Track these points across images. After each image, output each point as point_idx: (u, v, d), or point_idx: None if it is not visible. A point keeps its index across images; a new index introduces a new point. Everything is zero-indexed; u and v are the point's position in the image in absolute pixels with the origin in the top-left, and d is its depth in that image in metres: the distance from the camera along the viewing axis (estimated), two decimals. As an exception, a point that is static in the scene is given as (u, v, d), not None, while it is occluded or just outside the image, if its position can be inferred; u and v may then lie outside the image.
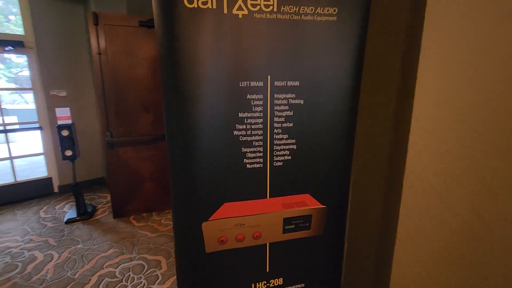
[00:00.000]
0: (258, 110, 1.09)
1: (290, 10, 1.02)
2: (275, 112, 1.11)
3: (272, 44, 1.04)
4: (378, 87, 1.30)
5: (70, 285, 2.13)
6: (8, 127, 3.51)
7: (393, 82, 1.19)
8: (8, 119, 9.29)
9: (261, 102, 1.08)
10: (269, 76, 1.07)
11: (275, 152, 1.15)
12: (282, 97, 1.10)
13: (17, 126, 4.18)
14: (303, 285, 1.36)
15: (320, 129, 1.17)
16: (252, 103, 1.08)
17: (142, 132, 3.11)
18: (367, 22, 1.11)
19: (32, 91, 3.49)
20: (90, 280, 2.20)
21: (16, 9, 3.33)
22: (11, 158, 3.52)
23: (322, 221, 1.29)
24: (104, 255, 2.54)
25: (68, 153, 2.99)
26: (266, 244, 1.25)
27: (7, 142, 3.47)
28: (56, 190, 3.87)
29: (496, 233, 0.97)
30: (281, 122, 1.13)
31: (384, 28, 1.25)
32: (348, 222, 1.42)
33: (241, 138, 1.10)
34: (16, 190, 3.58)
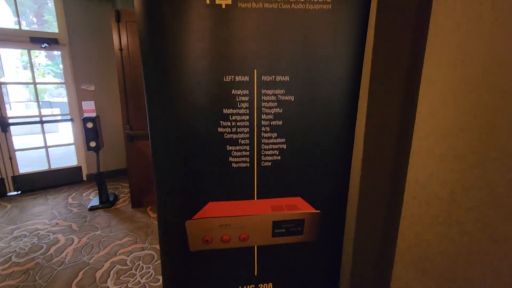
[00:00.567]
0: (244, 107, 1.03)
1: (279, -1, 0.94)
2: (263, 109, 1.04)
3: (258, 36, 0.97)
4: (382, 85, 1.16)
5: (84, 269, 2.25)
6: (44, 119, 3.80)
7: (399, 79, 1.06)
8: (50, 111, 10.18)
9: (247, 98, 1.02)
10: (255, 70, 1.00)
11: (263, 152, 1.08)
12: (270, 93, 1.03)
13: (53, 118, 4.50)
14: (294, 292, 1.28)
15: (312, 128, 1.07)
16: (237, 99, 1.02)
17: (160, 126, 3.19)
18: (367, 11, 0.99)
19: (64, 85, 3.74)
20: (103, 266, 2.31)
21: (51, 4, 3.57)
22: (46, 147, 3.82)
23: (316, 226, 1.20)
24: (119, 243, 2.65)
25: (92, 144, 3.16)
26: (254, 246, 1.20)
27: (43, 132, 3.77)
28: (84, 178, 4.14)
29: (511, 258, 0.81)
30: (269, 120, 1.05)
31: (390, 28, 1.11)
32: (346, 229, 1.31)
33: (226, 135, 1.05)
34: (49, 177, 3.88)
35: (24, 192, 3.75)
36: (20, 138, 7.88)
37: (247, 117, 1.04)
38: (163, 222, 1.14)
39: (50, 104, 11.50)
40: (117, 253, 2.48)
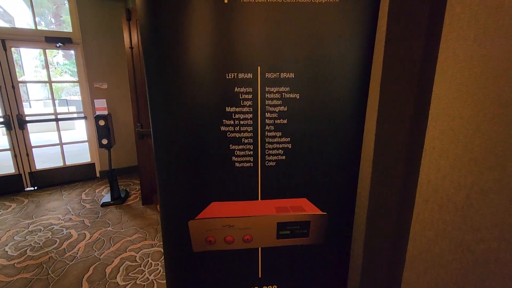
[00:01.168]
0: (247, 105, 1.00)
1: (283, -8, 0.90)
2: (267, 107, 1.01)
3: (262, 32, 0.93)
4: (394, 81, 1.10)
5: (95, 265, 2.29)
6: (59, 116, 3.90)
7: (412, 75, 1.00)
8: (66, 109, 10.49)
9: (250, 96, 0.99)
10: (259, 67, 0.97)
11: (267, 151, 1.05)
12: (275, 91, 0.99)
13: (68, 116, 4.62)
14: (300, 296, 1.25)
15: (318, 127, 1.03)
16: (240, 97, 0.99)
17: (169, 124, 3.20)
18: (377, 3, 0.94)
19: (78, 83, 3.82)
20: (113, 261, 2.34)
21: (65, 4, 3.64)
22: (61, 144, 3.92)
23: (322, 229, 1.16)
24: (129, 239, 2.68)
25: (104, 141, 3.21)
26: (258, 248, 1.17)
27: (58, 129, 3.86)
28: (98, 175, 4.23)
29: (533, 268, 0.75)
30: (274, 118, 1.02)
31: (403, 20, 1.05)
32: (354, 233, 1.26)
33: (229, 134, 1.02)
34: (64, 173, 3.98)
35: (40, 187, 3.86)
36: (39, 135, 8.16)
37: (251, 115, 1.01)
38: (166, 221, 1.13)
39: (66, 102, 11.87)
40: (127, 250, 2.51)
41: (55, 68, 16.33)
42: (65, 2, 3.61)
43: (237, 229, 1.12)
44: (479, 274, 0.85)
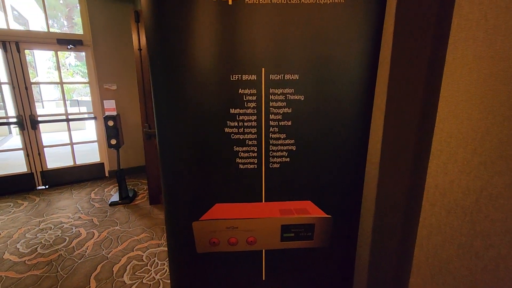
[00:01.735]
0: (252, 106, 0.99)
1: (288, -7, 0.90)
2: (271, 108, 1.00)
3: (266, 33, 0.93)
4: (402, 82, 1.08)
5: (102, 263, 2.33)
6: (70, 117, 3.98)
7: (419, 76, 0.98)
8: (77, 110, 10.70)
9: (254, 98, 0.99)
10: (263, 69, 0.96)
11: (271, 153, 1.05)
12: (279, 92, 0.99)
13: (78, 116, 4.70)
14: (304, 299, 1.24)
15: (323, 129, 1.02)
16: (244, 99, 0.99)
17: (177, 125, 3.23)
18: (383, 4, 0.92)
19: (88, 84, 3.89)
20: (120, 260, 2.37)
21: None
22: (71, 144, 4.00)
23: (327, 232, 1.15)
24: (136, 238, 2.71)
25: (113, 141, 3.26)
26: (262, 250, 1.16)
27: (69, 130, 3.94)
28: (107, 174, 4.30)
29: (545, 277, 0.72)
30: (278, 120, 1.01)
31: (410, 20, 1.03)
32: (360, 236, 1.24)
33: (233, 136, 1.02)
34: (75, 172, 4.06)
35: (51, 186, 3.95)
36: (50, 135, 8.35)
37: (255, 117, 1.00)
38: (170, 222, 1.14)
39: (77, 103, 12.12)
40: (134, 249, 2.54)
41: (67, 69, 16.71)
42: (77, 5, 3.69)
43: (241, 231, 1.12)
44: (488, 281, 0.82)
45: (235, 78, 0.96)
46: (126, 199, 3.46)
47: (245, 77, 0.96)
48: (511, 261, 0.78)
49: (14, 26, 10.34)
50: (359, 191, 1.14)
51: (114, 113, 3.24)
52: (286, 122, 1.01)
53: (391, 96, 1.14)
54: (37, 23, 12.36)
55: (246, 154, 1.04)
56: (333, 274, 1.21)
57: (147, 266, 2.30)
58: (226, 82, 0.97)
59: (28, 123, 3.63)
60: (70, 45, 3.60)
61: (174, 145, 1.04)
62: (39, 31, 3.55)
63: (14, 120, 3.59)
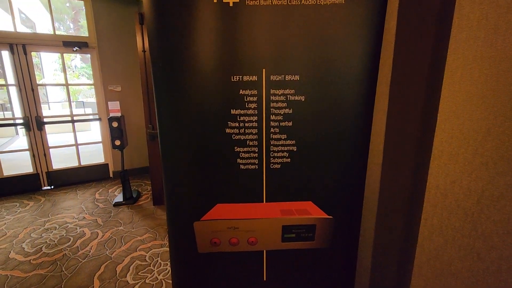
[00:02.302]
0: (252, 107, 1.00)
1: (288, -6, 0.90)
2: (272, 109, 1.01)
3: (267, 34, 0.94)
4: (404, 83, 1.08)
5: (106, 263, 2.35)
6: (75, 118, 4.02)
7: (421, 77, 0.98)
8: (83, 111, 10.82)
9: (255, 98, 0.99)
10: (264, 70, 0.97)
11: (272, 154, 1.05)
12: (280, 93, 0.99)
13: (83, 117, 4.75)
14: (305, 300, 1.23)
15: (324, 130, 1.02)
16: (245, 99, 0.99)
17: (180, 126, 3.25)
18: (384, 5, 0.92)
19: (93, 86, 3.94)
20: (123, 260, 2.39)
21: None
22: (76, 145, 4.04)
23: (328, 232, 1.14)
24: (139, 239, 2.73)
25: (117, 142, 3.29)
26: (263, 251, 1.17)
27: (74, 131, 3.99)
28: (111, 175, 4.33)
29: (548, 279, 0.72)
30: (279, 121, 1.02)
31: (412, 21, 1.03)
32: (362, 237, 1.24)
33: (234, 136, 1.03)
34: (80, 173, 4.10)
35: (57, 186, 4.00)
36: (56, 136, 8.44)
37: (256, 117, 1.01)
38: (172, 222, 1.15)
39: (83, 104, 12.25)
40: (137, 249, 2.55)
41: (73, 71, 16.90)
42: (83, 7, 3.74)
43: (242, 231, 1.12)
44: (490, 283, 0.82)
45: (236, 79, 0.97)
46: (130, 199, 3.48)
47: (246, 78, 0.97)
48: (513, 262, 0.77)
49: (22, 29, 10.51)
50: (360, 191, 1.13)
51: (119, 114, 3.27)
52: (286, 122, 1.02)
53: (393, 97, 1.14)
54: (43, 26, 12.54)
55: (247, 155, 1.04)
56: (334, 275, 1.21)
57: (150, 266, 2.31)
58: (227, 83, 0.97)
59: (34, 124, 3.68)
60: (76, 47, 3.64)
61: (175, 145, 1.05)
62: (46, 34, 3.60)
63: (21, 121, 3.65)
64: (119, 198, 3.53)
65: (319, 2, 0.91)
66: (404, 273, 1.05)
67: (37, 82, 3.63)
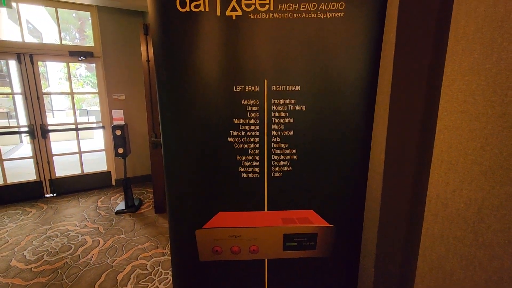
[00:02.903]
0: (254, 117, 1.02)
1: (289, 8, 0.93)
2: (273, 119, 1.03)
3: (268, 46, 0.97)
4: (404, 94, 1.10)
5: (107, 272, 2.34)
6: (79, 126, 4.07)
7: (420, 88, 1.00)
8: (87, 119, 10.92)
9: (257, 108, 1.01)
10: (265, 80, 0.99)
11: (274, 162, 1.06)
12: (281, 103, 1.01)
13: (87, 125, 4.80)
14: (307, 310, 1.23)
15: (325, 139, 1.04)
16: (247, 109, 1.01)
17: (182, 134, 3.28)
18: (382, 19, 0.95)
19: (97, 95, 3.99)
20: (125, 269, 2.38)
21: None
22: (79, 152, 4.08)
23: (330, 241, 1.15)
24: (140, 247, 2.72)
25: (120, 150, 3.32)
26: (265, 260, 1.17)
27: (77, 139, 4.03)
28: (113, 183, 4.35)
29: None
30: (280, 130, 1.03)
31: (410, 34, 1.05)
32: (364, 247, 1.24)
33: (236, 145, 1.05)
34: (82, 181, 4.12)
35: (59, 194, 4.01)
36: (59, 143, 8.51)
37: (257, 127, 1.03)
38: (174, 231, 1.16)
39: (87, 112, 12.39)
40: (138, 257, 2.55)
41: (78, 80, 17.15)
42: (89, 18, 3.83)
43: (243, 240, 1.13)
44: (492, 293, 0.81)
45: (238, 89, 0.99)
46: (132, 207, 3.48)
47: (248, 88, 0.99)
48: (514, 272, 0.77)
49: (29, 39, 10.72)
50: (361, 200, 1.14)
51: (122, 122, 3.30)
52: (288, 132, 1.03)
53: (393, 107, 1.15)
54: (50, 36, 12.79)
55: (248, 163, 1.06)
56: (336, 284, 1.20)
57: (151, 275, 2.30)
58: (230, 93, 1.00)
59: (39, 132, 3.72)
60: (81, 57, 3.72)
61: (178, 153, 1.07)
62: (52, 44, 3.68)
63: (26, 129, 3.69)
64: (121, 206, 3.54)
65: (319, 15, 0.94)
66: (406, 282, 1.04)
67: (43, 91, 3.69)
